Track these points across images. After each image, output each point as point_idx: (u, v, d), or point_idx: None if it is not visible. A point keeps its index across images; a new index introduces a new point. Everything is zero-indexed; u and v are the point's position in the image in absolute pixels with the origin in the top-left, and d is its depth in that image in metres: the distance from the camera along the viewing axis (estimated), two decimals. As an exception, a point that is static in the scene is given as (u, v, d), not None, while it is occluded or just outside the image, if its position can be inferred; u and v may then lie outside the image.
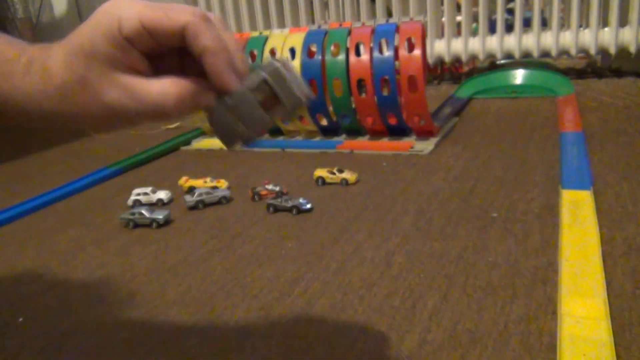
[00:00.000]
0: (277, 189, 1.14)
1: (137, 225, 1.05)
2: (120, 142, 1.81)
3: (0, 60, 0.43)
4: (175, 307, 0.76)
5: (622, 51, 1.89)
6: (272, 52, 1.49)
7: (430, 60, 2.09)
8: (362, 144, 1.44)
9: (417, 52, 1.31)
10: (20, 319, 0.77)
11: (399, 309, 0.69)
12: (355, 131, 1.51)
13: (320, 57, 1.42)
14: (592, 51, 1.91)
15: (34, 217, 1.19)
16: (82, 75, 0.40)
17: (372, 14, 2.14)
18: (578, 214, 0.89)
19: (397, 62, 1.35)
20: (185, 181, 1.25)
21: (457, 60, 2.10)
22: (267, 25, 2.26)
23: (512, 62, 2.11)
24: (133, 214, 1.05)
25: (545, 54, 1.98)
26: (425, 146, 1.36)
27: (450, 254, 0.82)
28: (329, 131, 1.53)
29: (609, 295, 0.67)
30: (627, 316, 0.63)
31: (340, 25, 1.46)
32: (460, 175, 1.15)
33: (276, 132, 1.61)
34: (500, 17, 1.97)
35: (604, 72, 2.07)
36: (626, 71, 2.02)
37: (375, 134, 1.49)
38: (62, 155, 1.74)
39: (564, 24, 1.99)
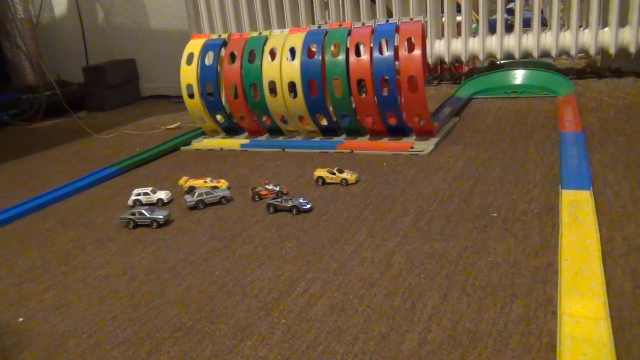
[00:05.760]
0: (277, 189, 1.14)
1: (137, 225, 1.05)
2: (120, 142, 1.81)
3: None
4: (175, 307, 0.76)
5: (622, 51, 1.89)
6: (272, 52, 1.49)
7: (430, 60, 2.09)
8: (362, 144, 1.44)
9: (417, 52, 1.31)
10: (20, 319, 0.77)
11: (399, 309, 0.69)
12: (355, 131, 1.51)
13: (320, 57, 1.42)
14: (592, 51, 1.91)
15: (34, 217, 1.19)
16: None
17: (372, 14, 2.14)
18: (578, 214, 0.89)
19: (397, 62, 1.35)
20: (185, 181, 1.25)
21: (457, 60, 2.10)
22: (267, 25, 2.26)
23: (512, 62, 2.11)
24: (133, 214, 1.05)
25: (545, 54, 1.98)
26: (425, 146, 1.36)
27: (450, 254, 0.82)
28: (329, 131, 1.53)
29: (608, 295, 0.67)
30: (627, 316, 0.63)
31: (340, 25, 1.46)
32: (460, 175, 1.15)
33: (276, 132, 1.61)
34: (500, 17, 1.97)
35: (604, 72, 2.06)
36: (626, 71, 2.02)
37: (375, 134, 1.49)
38: (62, 155, 1.74)
39: (563, 24, 1.99)
